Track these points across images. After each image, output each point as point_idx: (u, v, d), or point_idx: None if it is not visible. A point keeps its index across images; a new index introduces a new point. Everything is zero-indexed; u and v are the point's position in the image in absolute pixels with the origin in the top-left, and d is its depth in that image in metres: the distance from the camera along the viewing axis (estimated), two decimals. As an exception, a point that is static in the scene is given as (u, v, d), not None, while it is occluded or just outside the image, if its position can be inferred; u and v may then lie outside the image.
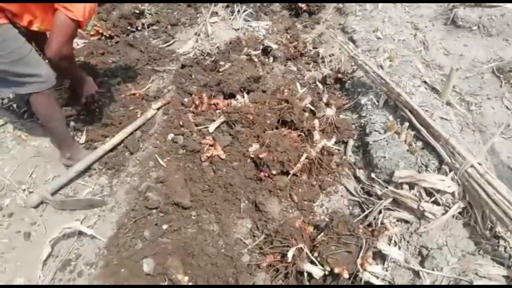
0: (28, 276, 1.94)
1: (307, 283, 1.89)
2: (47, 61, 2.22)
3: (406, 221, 2.05)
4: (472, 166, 1.93)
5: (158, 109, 2.90)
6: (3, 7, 1.93)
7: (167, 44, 3.95)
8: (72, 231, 2.10)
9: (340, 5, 4.56)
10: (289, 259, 1.84)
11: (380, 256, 1.95)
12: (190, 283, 1.88)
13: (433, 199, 2.01)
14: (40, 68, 2.12)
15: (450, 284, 1.71)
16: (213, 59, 3.42)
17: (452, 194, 2.00)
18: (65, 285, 1.90)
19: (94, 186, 2.45)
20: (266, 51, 3.69)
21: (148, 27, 4.16)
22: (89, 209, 2.29)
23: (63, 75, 2.50)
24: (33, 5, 2.05)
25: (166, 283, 1.86)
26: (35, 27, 2.15)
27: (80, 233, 2.11)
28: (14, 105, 2.89)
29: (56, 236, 2.03)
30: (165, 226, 2.12)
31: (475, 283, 1.64)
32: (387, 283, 1.84)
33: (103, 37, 3.85)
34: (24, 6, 2.02)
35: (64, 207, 2.27)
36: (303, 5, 4.66)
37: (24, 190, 2.31)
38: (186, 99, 2.98)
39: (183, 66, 3.40)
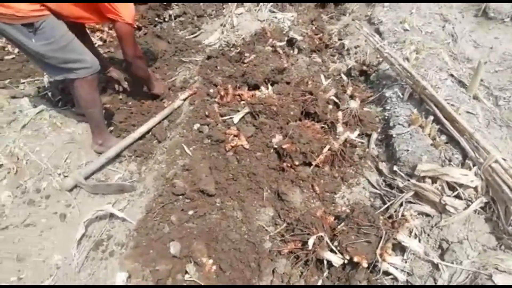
0: (64, 253, 2.06)
1: (327, 271, 1.95)
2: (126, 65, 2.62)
3: (427, 215, 2.07)
4: (496, 161, 1.92)
5: (184, 99, 2.98)
6: (51, 8, 2.11)
7: (194, 35, 4.01)
8: (104, 213, 2.22)
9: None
10: (310, 247, 1.89)
11: (400, 248, 1.98)
12: (214, 266, 1.97)
13: (455, 193, 2.01)
14: (85, 54, 2.30)
15: (469, 276, 1.73)
16: (238, 50, 3.46)
17: (475, 188, 1.99)
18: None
19: (124, 172, 2.57)
20: (291, 43, 3.71)
21: (175, 18, 4.24)
22: (120, 193, 2.41)
23: (141, 76, 2.82)
24: (77, 7, 2.27)
25: (191, 265, 1.95)
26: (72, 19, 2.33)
27: (112, 215, 2.23)
28: (49, 94, 3.05)
29: (90, 218, 2.16)
30: (190, 212, 2.21)
31: (494, 277, 1.65)
32: (406, 275, 1.87)
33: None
34: (69, 7, 2.24)
35: (96, 191, 2.40)
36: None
37: (60, 174, 2.44)
38: (211, 90, 3.04)
39: (209, 57, 3.46)
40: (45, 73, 3.01)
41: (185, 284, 1.93)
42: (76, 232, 2.11)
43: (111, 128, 2.86)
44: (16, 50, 3.57)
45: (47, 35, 2.12)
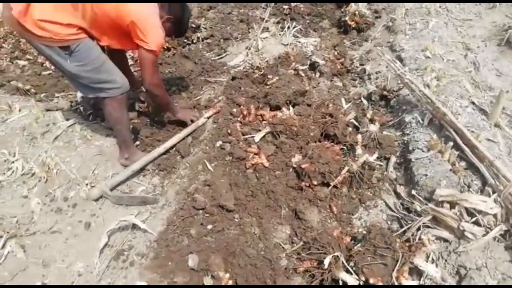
0: (87, 261, 2.13)
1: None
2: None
3: (445, 240, 2.05)
4: (516, 189, 1.91)
5: (208, 117, 3.08)
6: (87, 30, 2.27)
7: (220, 57, 4.16)
8: (127, 224, 2.28)
9: (390, 23, 4.57)
10: (325, 266, 1.90)
11: (416, 272, 1.96)
12: (230, 281, 2.00)
13: (474, 219, 1.99)
14: (116, 75, 2.42)
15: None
16: (261, 72, 3.54)
17: (494, 216, 1.97)
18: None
19: (148, 185, 2.65)
20: (313, 67, 3.79)
21: (202, 41, 4.42)
22: (142, 205, 2.48)
23: (158, 103, 2.85)
24: (110, 32, 2.38)
25: (209, 278, 1.99)
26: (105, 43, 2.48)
27: (134, 226, 2.29)
28: (81, 108, 3.21)
29: (113, 228, 2.21)
30: (210, 226, 2.25)
31: (513, 305, 1.62)
32: (422, 299, 1.86)
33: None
34: (103, 32, 2.37)
35: (120, 202, 2.47)
36: (352, 23, 4.73)
37: (87, 184, 2.54)
38: (234, 110, 3.11)
39: (233, 78, 3.56)
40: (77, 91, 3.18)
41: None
42: (99, 241, 2.17)
43: (137, 142, 2.97)
44: (53, 67, 3.79)
45: (82, 57, 2.25)
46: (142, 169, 2.73)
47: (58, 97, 3.41)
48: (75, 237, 2.27)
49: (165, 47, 4.13)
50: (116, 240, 2.27)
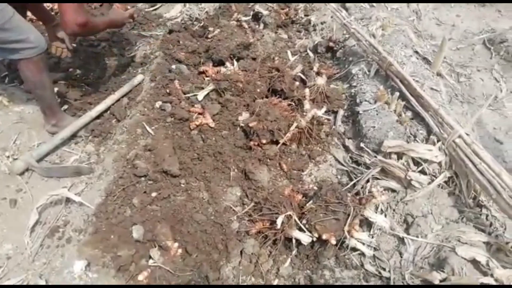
0: (16, 242, 1.93)
1: (295, 249, 1.93)
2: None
3: (393, 190, 2.09)
4: (459, 136, 1.95)
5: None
6: None
7: (154, 8, 3.83)
8: (59, 198, 2.08)
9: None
10: (278, 226, 1.86)
11: (367, 224, 2.00)
12: (180, 250, 1.90)
13: (420, 168, 2.04)
14: (28, 32, 2.06)
15: (434, 249, 1.77)
16: (201, 24, 3.33)
17: (439, 163, 2.02)
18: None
19: (81, 154, 2.42)
20: (256, 17, 3.60)
21: (133, -11, 4.00)
22: (76, 176, 2.27)
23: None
24: None
25: (156, 249, 1.87)
26: None
27: (68, 200, 2.09)
28: (-6, 70, 2.80)
29: (43, 203, 2.02)
30: (154, 194, 2.11)
31: (457, 249, 1.69)
32: (372, 249, 1.89)
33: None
34: None
35: (50, 174, 2.24)
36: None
37: (8, 157, 2.27)
38: (173, 66, 2.89)
39: (170, 32, 3.30)
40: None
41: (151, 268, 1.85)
42: (29, 219, 1.97)
43: (65, 106, 2.66)
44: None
45: None
46: (73, 136, 2.48)
47: (-36, 58, 2.93)
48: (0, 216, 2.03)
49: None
50: (48, 217, 2.07)
